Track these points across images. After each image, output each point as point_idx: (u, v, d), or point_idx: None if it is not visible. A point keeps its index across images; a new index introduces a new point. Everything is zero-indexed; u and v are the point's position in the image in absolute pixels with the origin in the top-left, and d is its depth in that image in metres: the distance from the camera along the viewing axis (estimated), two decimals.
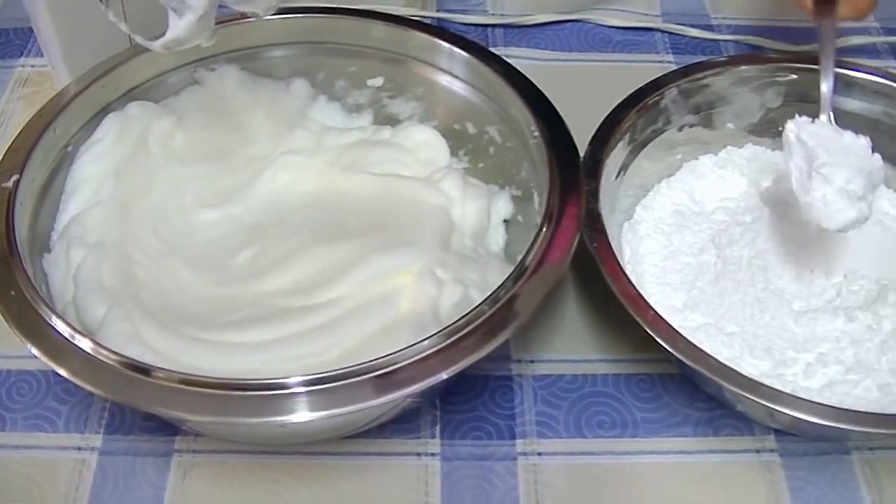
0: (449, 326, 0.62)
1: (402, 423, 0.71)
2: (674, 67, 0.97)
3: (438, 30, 0.84)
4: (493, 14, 1.06)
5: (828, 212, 0.71)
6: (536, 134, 0.75)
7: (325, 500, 0.68)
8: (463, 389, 0.74)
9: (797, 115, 0.76)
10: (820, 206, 0.71)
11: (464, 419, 0.72)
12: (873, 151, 0.73)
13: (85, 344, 0.61)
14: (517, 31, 1.04)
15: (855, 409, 0.68)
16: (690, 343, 0.65)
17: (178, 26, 0.64)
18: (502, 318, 0.63)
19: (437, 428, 0.72)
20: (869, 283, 0.75)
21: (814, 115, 0.76)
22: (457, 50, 0.82)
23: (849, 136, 0.74)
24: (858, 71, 0.84)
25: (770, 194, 0.82)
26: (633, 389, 0.75)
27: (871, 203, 0.72)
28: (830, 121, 0.77)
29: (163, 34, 0.65)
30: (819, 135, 0.74)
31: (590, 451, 0.71)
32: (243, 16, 0.80)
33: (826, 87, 0.79)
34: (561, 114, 0.77)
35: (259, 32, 0.84)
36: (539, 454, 0.70)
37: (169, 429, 0.71)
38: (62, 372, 0.60)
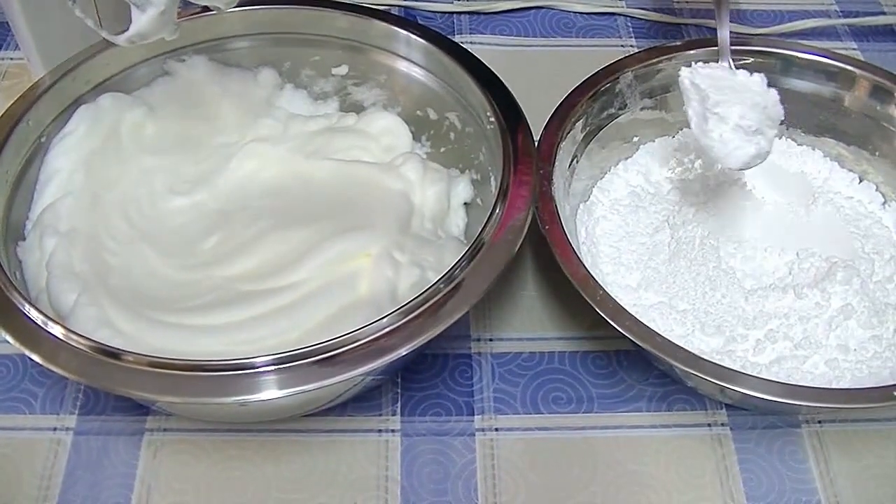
0: (406, 305, 0.64)
1: (364, 400, 0.74)
2: (636, 52, 0.99)
3: (397, 18, 0.86)
4: (460, 2, 1.08)
5: (727, 151, 0.73)
6: (492, 119, 0.77)
7: (291, 475, 0.70)
8: (423, 367, 0.76)
9: (693, 63, 0.78)
10: (718, 146, 0.73)
11: (424, 396, 0.74)
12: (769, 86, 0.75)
13: (57, 330, 0.63)
14: (483, 19, 1.06)
15: (802, 384, 0.70)
16: (638, 321, 0.67)
17: (140, 21, 0.66)
18: (457, 296, 0.65)
19: (398, 405, 0.74)
20: (819, 260, 0.77)
21: None
22: (414, 38, 0.83)
23: (742, 73, 0.76)
24: (808, 53, 0.86)
25: (724, 175, 0.84)
26: (588, 366, 0.77)
27: (773, 139, 0.74)
28: (730, 66, 0.79)
29: (127, 29, 0.67)
30: (711, 76, 0.76)
31: (546, 427, 0.73)
32: (206, 9, 0.81)
33: (723, 32, 0.81)
34: (524, 98, 0.79)
35: (226, 24, 0.86)
36: (496, 429, 0.73)
37: (140, 409, 0.73)
38: (35, 357, 0.62)
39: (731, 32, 1.01)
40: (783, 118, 0.75)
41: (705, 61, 0.79)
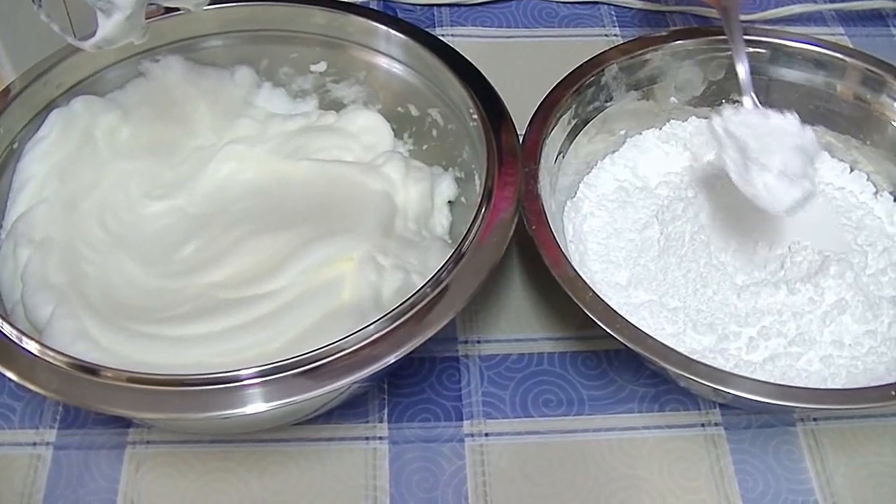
0: (392, 311, 0.63)
1: (350, 407, 0.72)
2: (620, 41, 0.99)
3: (375, 13, 0.84)
4: None
5: (773, 198, 0.71)
6: (475, 116, 0.75)
7: (276, 487, 0.69)
8: (410, 372, 0.74)
9: (723, 105, 0.77)
10: (764, 194, 0.71)
11: (411, 402, 0.73)
12: (803, 124, 0.74)
13: (32, 346, 0.61)
14: (463, 10, 1.04)
15: (796, 382, 0.69)
16: (629, 323, 0.66)
17: (106, 27, 0.64)
18: (444, 301, 0.64)
19: (385, 411, 0.72)
20: (812, 254, 0.75)
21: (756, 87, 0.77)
22: (394, 33, 0.82)
23: (776, 116, 0.74)
24: (797, 41, 0.85)
25: (713, 167, 0.83)
26: (578, 367, 0.75)
27: (814, 177, 0.73)
28: (755, 104, 0.77)
29: (93, 33, 0.65)
30: (746, 123, 0.74)
31: (536, 431, 0.72)
32: (171, 10, 0.80)
33: (742, 70, 0.79)
34: (507, 92, 0.77)
35: (201, 22, 0.84)
36: (486, 435, 0.71)
37: (122, 421, 0.71)
38: (10, 375, 0.60)
39: (716, 20, 1.00)
40: (819, 153, 0.75)
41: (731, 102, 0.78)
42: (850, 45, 0.98)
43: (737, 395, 0.63)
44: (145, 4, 0.64)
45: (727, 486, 0.69)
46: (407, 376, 0.74)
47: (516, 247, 0.82)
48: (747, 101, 0.78)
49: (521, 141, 0.75)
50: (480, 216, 0.68)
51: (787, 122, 0.74)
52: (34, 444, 0.70)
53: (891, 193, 0.83)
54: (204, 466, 0.69)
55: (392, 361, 0.61)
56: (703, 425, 0.72)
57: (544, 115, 0.78)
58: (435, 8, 1.04)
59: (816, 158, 0.74)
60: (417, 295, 0.64)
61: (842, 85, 0.84)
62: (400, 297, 0.65)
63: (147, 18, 0.67)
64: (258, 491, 0.68)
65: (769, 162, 0.71)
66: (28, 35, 0.81)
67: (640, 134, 0.86)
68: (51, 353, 0.61)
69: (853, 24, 1.05)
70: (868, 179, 0.84)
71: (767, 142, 0.72)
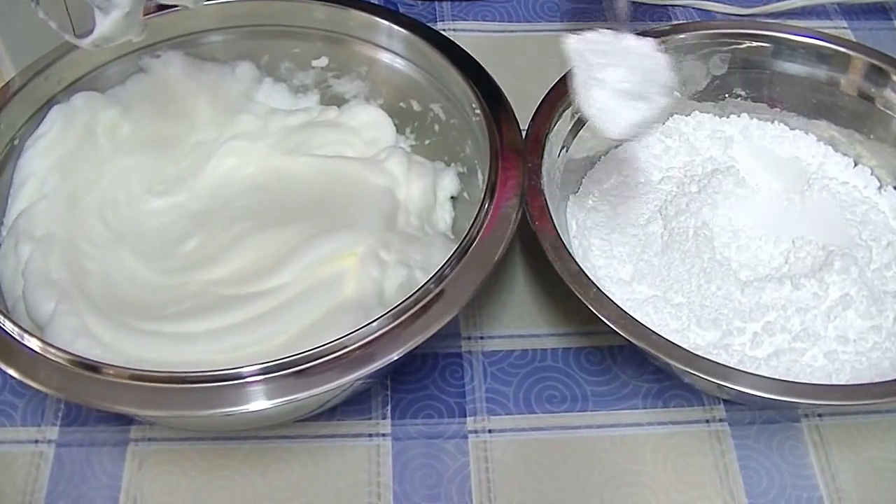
0: (395, 308, 0.62)
1: (353, 404, 0.72)
2: None
3: (377, 8, 0.84)
4: None
5: (607, 118, 0.68)
6: (478, 111, 0.75)
7: (280, 484, 0.68)
8: (413, 368, 0.74)
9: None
10: (599, 114, 0.68)
11: (414, 398, 0.73)
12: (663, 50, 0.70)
13: (33, 343, 0.61)
14: (465, 5, 1.04)
15: (801, 377, 0.69)
16: (633, 319, 0.66)
17: (104, 24, 0.64)
18: (447, 297, 0.64)
19: (388, 408, 0.72)
20: (816, 249, 0.75)
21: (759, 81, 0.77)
22: (395, 27, 0.82)
23: (630, 37, 0.70)
24: (800, 35, 0.84)
25: (716, 162, 0.83)
26: (582, 363, 0.75)
27: (662, 107, 0.68)
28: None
29: (91, 31, 0.65)
30: (596, 41, 0.69)
31: (540, 427, 0.72)
32: (168, 6, 0.80)
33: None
34: (510, 86, 0.77)
35: (201, 18, 0.83)
36: (489, 431, 0.71)
37: (124, 419, 0.71)
38: (12, 372, 0.60)
39: (720, 13, 1.00)
40: (675, 85, 0.70)
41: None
42: (854, 39, 0.98)
43: (741, 391, 0.63)
44: (143, 2, 0.64)
45: (731, 483, 0.69)
46: (410, 373, 0.74)
47: (519, 242, 0.82)
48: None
49: (523, 136, 0.75)
50: (483, 211, 0.68)
51: (640, 44, 0.69)
52: (36, 441, 0.70)
53: (895, 188, 0.82)
54: (206, 463, 0.69)
55: (395, 358, 0.61)
56: (707, 421, 0.72)
57: (547, 110, 0.78)
58: (436, 3, 1.04)
59: (670, 86, 0.68)
60: (420, 291, 0.64)
61: (845, 79, 0.83)
62: (403, 293, 0.65)
63: (144, 15, 0.66)
64: (261, 488, 0.68)
65: (606, 77, 0.67)
66: (28, 31, 0.81)
67: None
68: (52, 351, 0.61)
69: (856, 17, 1.04)
70: (872, 174, 0.83)
71: (611, 59, 0.68)
